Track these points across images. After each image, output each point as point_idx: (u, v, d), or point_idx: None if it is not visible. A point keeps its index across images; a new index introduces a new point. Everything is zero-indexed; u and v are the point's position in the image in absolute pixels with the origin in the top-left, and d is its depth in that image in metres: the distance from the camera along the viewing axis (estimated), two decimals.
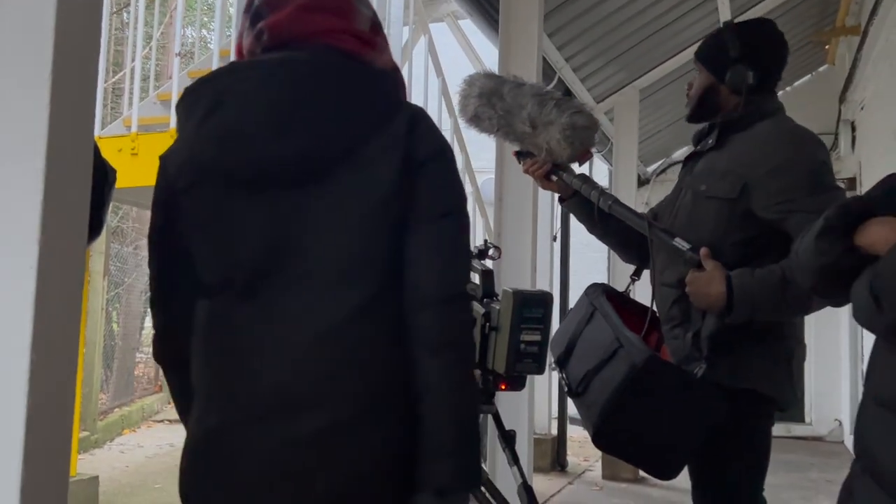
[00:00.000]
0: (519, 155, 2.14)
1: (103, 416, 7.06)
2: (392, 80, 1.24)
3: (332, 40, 1.20)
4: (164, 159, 1.22)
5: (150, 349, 1.32)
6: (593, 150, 2.05)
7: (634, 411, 1.75)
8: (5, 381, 0.95)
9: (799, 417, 7.79)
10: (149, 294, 1.30)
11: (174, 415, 1.52)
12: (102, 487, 4.33)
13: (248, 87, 1.17)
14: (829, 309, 1.74)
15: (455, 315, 1.15)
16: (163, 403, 8.27)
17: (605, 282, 2.20)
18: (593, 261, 7.67)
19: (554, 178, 2.07)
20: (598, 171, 7.18)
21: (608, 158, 6.65)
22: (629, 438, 1.82)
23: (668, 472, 1.82)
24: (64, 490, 1.02)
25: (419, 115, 1.20)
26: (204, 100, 1.18)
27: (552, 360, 2.00)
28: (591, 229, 2.16)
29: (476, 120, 2.05)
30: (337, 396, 1.11)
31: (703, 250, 1.77)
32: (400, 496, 1.13)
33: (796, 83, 8.02)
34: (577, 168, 2.11)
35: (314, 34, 1.20)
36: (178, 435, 2.65)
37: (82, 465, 4.93)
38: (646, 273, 2.08)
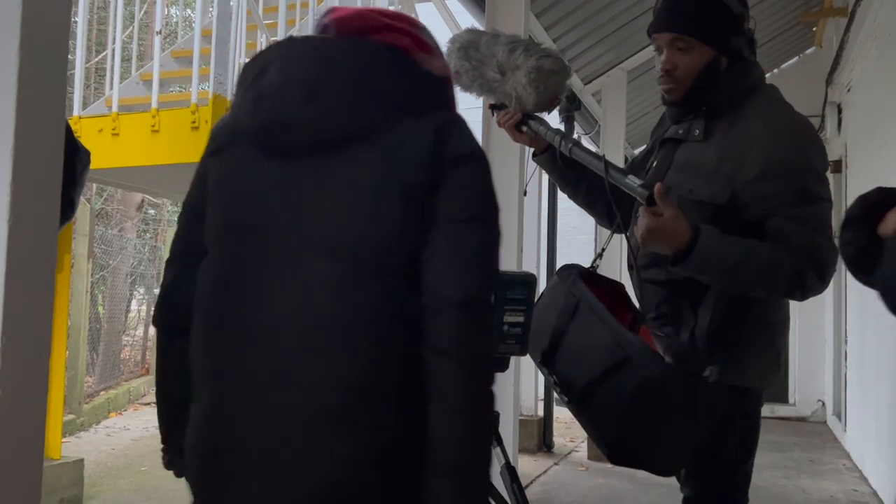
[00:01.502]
0: (493, 108, 2.06)
1: (89, 400, 7.04)
2: (437, 83, 1.23)
3: (389, 38, 1.21)
4: (212, 129, 1.26)
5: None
6: (561, 97, 1.95)
7: (649, 423, 1.65)
8: None
9: (783, 398, 7.88)
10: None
11: None
12: (88, 470, 4.32)
13: (292, 55, 1.20)
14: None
15: (471, 321, 1.09)
16: (149, 386, 8.23)
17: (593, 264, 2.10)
18: (581, 244, 7.68)
19: (524, 128, 1.99)
20: None
21: (596, 140, 6.64)
22: (643, 448, 1.72)
23: (673, 472, 1.80)
24: (38, 475, 1.01)
25: (455, 119, 1.19)
26: (254, 69, 1.21)
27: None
28: (563, 186, 2.08)
29: (456, 77, 1.96)
30: (327, 378, 1.08)
31: (657, 186, 1.63)
32: (392, 487, 1.10)
33: (783, 65, 8.03)
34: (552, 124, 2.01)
35: (374, 29, 1.21)
36: None
37: (68, 448, 4.91)
38: (614, 245, 1.96)
